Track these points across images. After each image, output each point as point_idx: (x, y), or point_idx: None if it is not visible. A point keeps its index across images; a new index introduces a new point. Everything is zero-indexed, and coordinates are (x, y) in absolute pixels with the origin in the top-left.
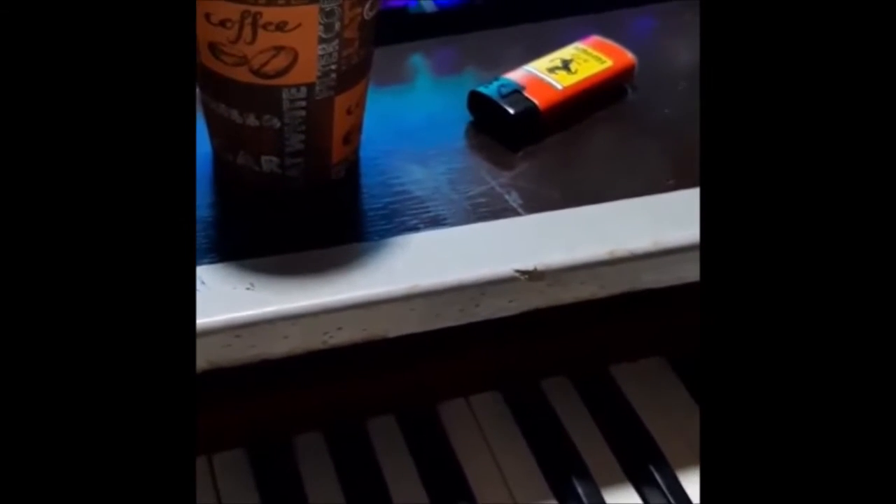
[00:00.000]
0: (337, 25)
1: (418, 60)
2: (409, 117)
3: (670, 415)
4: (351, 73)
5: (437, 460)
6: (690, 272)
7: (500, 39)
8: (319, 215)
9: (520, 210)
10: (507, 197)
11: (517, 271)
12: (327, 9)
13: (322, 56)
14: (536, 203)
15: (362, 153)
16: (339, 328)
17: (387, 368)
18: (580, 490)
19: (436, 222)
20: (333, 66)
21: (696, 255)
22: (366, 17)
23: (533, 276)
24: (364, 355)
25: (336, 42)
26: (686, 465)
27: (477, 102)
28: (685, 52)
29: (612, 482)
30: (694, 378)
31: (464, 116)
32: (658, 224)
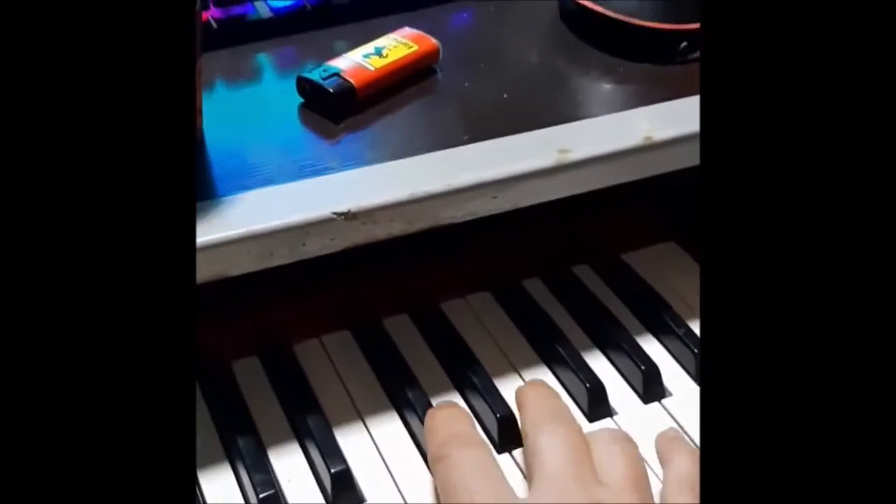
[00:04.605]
0: None
1: (261, 59)
2: (251, 103)
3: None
4: None
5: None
6: (482, 207)
7: (330, 37)
8: None
9: (338, 168)
10: (328, 159)
11: (335, 213)
12: None
13: None
14: (353, 162)
15: (210, 134)
16: None
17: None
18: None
19: (268, 181)
20: None
21: (485, 192)
22: None
23: (348, 216)
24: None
25: None
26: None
27: (304, 86)
28: (488, 38)
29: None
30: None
31: (296, 100)
32: (452, 170)
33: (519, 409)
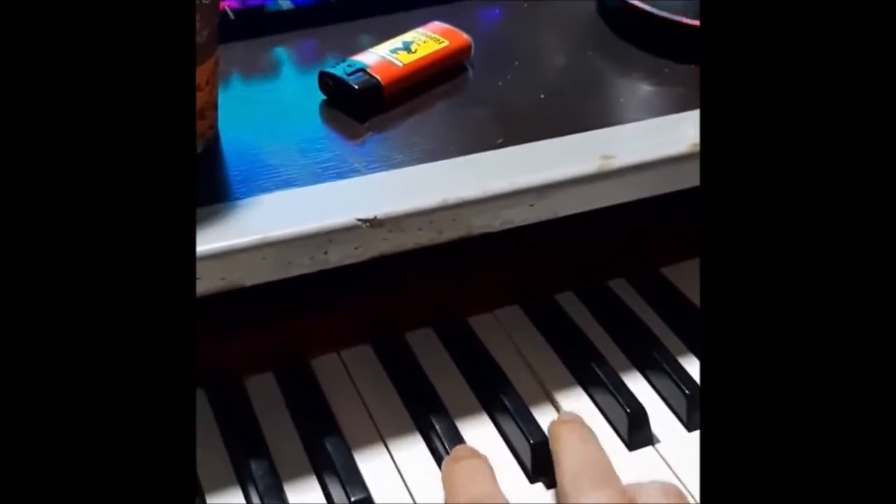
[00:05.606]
0: None
1: (280, 52)
2: (270, 100)
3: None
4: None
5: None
6: (518, 216)
7: (353, 31)
8: None
9: (363, 170)
10: (352, 160)
11: (359, 220)
12: None
13: None
14: (379, 164)
15: (225, 132)
16: (199, 279)
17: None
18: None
19: (287, 184)
20: None
21: (522, 199)
22: (204, 1)
23: (374, 223)
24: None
25: None
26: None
27: (327, 82)
28: (522, 35)
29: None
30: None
31: (318, 97)
32: (486, 175)
33: (553, 451)
